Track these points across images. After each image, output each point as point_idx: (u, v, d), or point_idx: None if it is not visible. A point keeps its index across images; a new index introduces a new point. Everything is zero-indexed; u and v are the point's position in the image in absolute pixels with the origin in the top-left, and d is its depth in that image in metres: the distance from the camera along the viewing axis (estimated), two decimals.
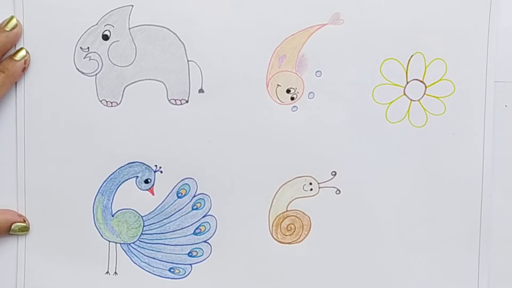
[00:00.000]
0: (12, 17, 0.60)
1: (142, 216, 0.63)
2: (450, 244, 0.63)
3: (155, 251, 0.63)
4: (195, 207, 0.63)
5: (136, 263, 0.64)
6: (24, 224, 0.62)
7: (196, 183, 0.63)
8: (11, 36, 0.60)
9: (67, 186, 0.63)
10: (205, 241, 0.63)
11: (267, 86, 0.62)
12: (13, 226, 0.61)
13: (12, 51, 0.61)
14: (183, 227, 0.63)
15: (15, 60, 0.60)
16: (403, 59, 0.62)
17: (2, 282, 0.63)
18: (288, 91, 0.62)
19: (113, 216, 0.63)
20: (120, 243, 0.63)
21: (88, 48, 0.61)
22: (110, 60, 0.61)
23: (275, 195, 0.63)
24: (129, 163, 0.62)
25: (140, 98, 0.62)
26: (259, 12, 0.61)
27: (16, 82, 0.61)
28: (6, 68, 0.60)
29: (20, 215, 0.62)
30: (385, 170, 0.63)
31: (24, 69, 0.61)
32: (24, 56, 0.61)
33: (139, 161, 0.62)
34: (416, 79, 0.62)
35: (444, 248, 0.63)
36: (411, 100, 0.62)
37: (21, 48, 0.61)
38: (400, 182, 0.63)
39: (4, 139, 0.62)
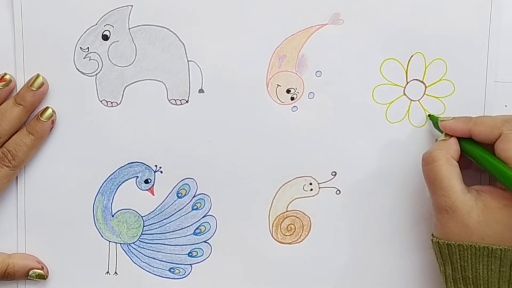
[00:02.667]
0: (38, 76, 0.60)
1: (142, 216, 0.63)
2: None
3: (155, 251, 0.63)
4: (195, 207, 0.63)
5: (136, 263, 0.64)
6: (41, 271, 0.62)
7: (196, 183, 0.63)
8: (38, 95, 0.60)
9: (67, 186, 0.63)
10: (205, 241, 0.63)
11: (267, 86, 0.62)
12: (30, 272, 0.62)
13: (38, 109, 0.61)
14: (183, 227, 0.63)
15: (43, 121, 0.60)
16: (403, 59, 0.62)
17: (3, 282, 0.63)
18: (288, 91, 0.62)
19: (113, 216, 0.63)
20: (120, 243, 0.63)
21: (88, 48, 0.61)
22: (110, 60, 0.61)
23: (275, 195, 0.63)
24: (129, 163, 0.62)
25: (140, 98, 0.62)
26: (259, 12, 0.61)
27: (15, 83, 0.61)
28: (35, 130, 0.60)
29: (39, 262, 0.62)
30: (385, 170, 0.63)
31: (51, 129, 0.61)
32: (51, 116, 0.60)
33: (139, 161, 0.62)
34: (416, 79, 0.62)
35: None
36: (411, 100, 0.62)
37: (47, 108, 0.61)
38: (400, 182, 0.63)
39: None
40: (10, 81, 0.60)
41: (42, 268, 0.62)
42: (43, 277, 0.62)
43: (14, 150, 0.60)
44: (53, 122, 0.61)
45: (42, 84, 0.60)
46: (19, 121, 0.60)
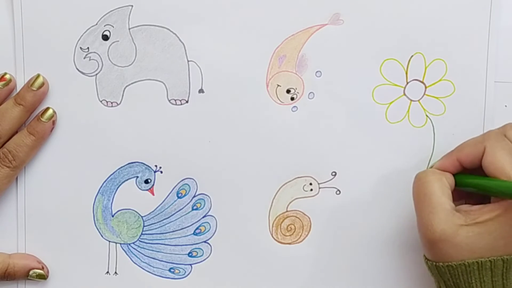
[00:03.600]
0: (38, 76, 0.60)
1: (142, 216, 0.63)
2: None
3: (155, 251, 0.63)
4: (195, 207, 0.63)
5: (136, 263, 0.64)
6: (42, 271, 0.62)
7: (196, 183, 0.63)
8: (39, 95, 0.60)
9: (67, 186, 0.63)
10: (205, 241, 0.63)
11: (267, 86, 0.62)
12: (31, 272, 0.62)
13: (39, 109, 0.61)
14: (183, 227, 0.63)
15: (44, 122, 0.60)
16: (403, 59, 0.62)
17: (3, 282, 0.63)
18: (288, 91, 0.62)
19: (113, 216, 0.63)
20: (120, 243, 0.63)
21: (88, 48, 0.61)
22: (110, 60, 0.61)
23: (275, 195, 0.63)
24: (129, 163, 0.62)
25: (140, 98, 0.62)
26: (259, 12, 0.61)
27: (15, 83, 0.61)
28: (35, 131, 0.60)
29: (40, 262, 0.62)
30: (385, 170, 0.63)
31: (52, 129, 0.61)
32: (52, 117, 0.60)
33: (139, 161, 0.62)
34: (416, 79, 0.62)
35: None
36: (411, 100, 0.62)
37: (48, 108, 0.61)
38: (400, 182, 0.63)
39: None
40: (10, 80, 0.60)
41: (42, 268, 0.62)
42: (43, 277, 0.62)
43: (14, 151, 0.60)
44: (53, 123, 0.61)
45: (42, 84, 0.60)
46: (19, 121, 0.60)
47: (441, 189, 0.55)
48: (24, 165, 0.61)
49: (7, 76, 0.60)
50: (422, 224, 0.55)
